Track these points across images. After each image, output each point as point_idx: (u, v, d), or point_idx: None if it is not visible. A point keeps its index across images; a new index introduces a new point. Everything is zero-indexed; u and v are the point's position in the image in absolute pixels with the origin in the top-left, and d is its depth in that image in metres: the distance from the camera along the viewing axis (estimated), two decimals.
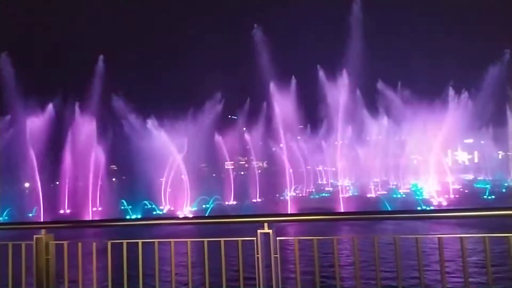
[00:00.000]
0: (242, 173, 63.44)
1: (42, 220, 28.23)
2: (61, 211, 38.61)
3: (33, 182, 38.66)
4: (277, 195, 43.54)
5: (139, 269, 4.76)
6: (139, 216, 30.40)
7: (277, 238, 4.40)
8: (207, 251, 4.63)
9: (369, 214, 5.16)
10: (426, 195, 33.88)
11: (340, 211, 25.72)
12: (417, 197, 32.73)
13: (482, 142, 61.35)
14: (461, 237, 4.08)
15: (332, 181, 60.34)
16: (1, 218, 32.86)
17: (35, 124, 37.51)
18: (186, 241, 4.75)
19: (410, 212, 5.33)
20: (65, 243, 4.99)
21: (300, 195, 49.01)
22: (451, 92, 40.93)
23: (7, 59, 36.30)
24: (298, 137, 59.15)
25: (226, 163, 52.39)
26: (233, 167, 54.33)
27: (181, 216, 30.07)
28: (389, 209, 24.25)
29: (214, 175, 56.41)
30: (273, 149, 51.85)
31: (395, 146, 52.06)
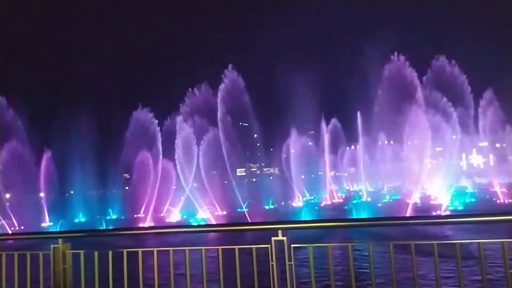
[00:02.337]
0: (254, 179, 63.38)
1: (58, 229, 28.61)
2: (76, 220, 39.12)
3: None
4: (289, 202, 43.38)
5: (155, 277, 4.79)
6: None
7: (292, 245, 4.38)
8: (221, 258, 4.65)
9: (383, 220, 5.10)
10: (438, 200, 33.40)
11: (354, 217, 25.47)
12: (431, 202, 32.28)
13: (497, 145, 60.24)
14: (478, 243, 4.02)
15: (347, 187, 59.88)
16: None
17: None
18: (201, 249, 4.77)
19: (425, 218, 5.27)
20: (82, 252, 5.05)
21: (313, 201, 48.71)
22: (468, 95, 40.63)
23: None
24: (310, 143, 58.93)
25: (238, 170, 52.43)
26: (245, 173, 54.35)
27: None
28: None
29: (225, 182, 56.50)
30: (284, 155, 51.77)
31: (409, 150, 51.49)
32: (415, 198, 36.39)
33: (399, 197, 41.07)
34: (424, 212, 26.44)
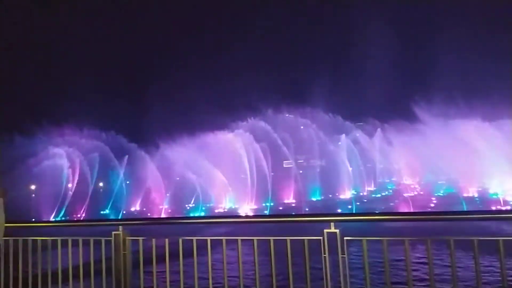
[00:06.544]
0: (301, 171, 62.93)
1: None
2: (132, 209, 41.17)
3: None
4: (337, 194, 42.79)
5: (209, 267, 4.91)
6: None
7: (345, 238, 4.31)
8: (273, 249, 4.66)
9: (444, 215, 4.87)
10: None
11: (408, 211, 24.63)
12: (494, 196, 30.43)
13: None
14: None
15: (394, 179, 57.90)
16: None
17: None
18: (252, 239, 4.81)
19: (488, 212, 4.96)
20: (141, 239, 5.29)
21: (362, 193, 47.68)
22: None
23: None
24: (357, 135, 57.54)
25: (284, 161, 52.33)
26: (292, 165, 54.13)
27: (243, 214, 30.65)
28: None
29: (272, 174, 56.63)
30: (332, 147, 50.99)
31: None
32: (472, 192, 34.50)
33: (453, 191, 39.08)
34: (482, 207, 25.01)
